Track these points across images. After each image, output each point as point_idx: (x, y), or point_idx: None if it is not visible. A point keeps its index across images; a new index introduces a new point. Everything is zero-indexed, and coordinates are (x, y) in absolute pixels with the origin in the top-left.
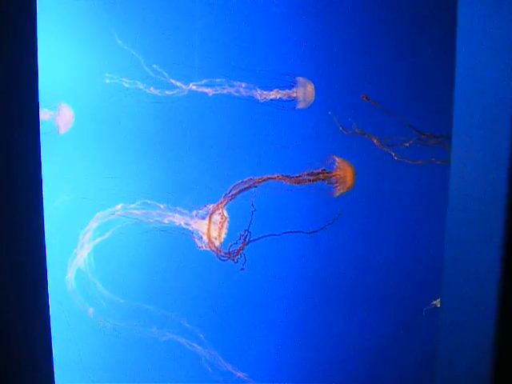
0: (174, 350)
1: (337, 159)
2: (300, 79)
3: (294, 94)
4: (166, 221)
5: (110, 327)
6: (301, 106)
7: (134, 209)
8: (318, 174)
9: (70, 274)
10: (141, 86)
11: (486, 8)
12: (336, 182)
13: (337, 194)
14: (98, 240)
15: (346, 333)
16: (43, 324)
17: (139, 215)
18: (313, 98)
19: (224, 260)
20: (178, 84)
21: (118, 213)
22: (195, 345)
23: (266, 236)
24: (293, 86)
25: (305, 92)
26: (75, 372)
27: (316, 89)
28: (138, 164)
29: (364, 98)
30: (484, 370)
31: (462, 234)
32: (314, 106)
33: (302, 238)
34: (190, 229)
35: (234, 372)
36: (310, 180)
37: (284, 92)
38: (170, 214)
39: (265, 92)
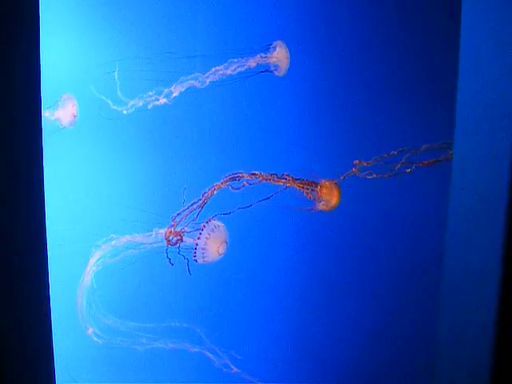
0: (173, 352)
1: (323, 181)
2: (277, 43)
3: (272, 59)
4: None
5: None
6: (279, 70)
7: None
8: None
9: (80, 289)
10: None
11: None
12: (318, 199)
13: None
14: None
15: (345, 331)
16: (45, 334)
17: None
18: (288, 62)
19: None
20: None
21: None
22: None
23: (216, 215)
24: (268, 51)
25: (280, 55)
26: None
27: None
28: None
29: (357, 163)
30: (484, 369)
31: (463, 232)
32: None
33: (293, 234)
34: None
35: (231, 367)
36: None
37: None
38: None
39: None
